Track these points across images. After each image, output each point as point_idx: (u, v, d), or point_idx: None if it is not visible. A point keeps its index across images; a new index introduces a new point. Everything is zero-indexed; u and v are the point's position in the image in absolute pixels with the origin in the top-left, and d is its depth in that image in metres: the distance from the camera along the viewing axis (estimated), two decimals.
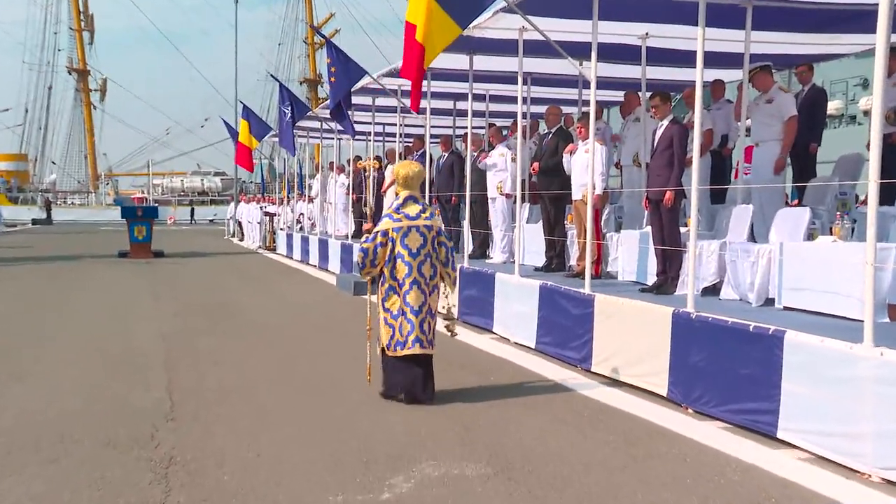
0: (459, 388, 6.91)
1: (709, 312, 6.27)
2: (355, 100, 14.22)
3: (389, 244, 6.34)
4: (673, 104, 9.08)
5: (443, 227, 6.60)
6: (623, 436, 5.60)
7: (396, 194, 6.58)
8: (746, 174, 9.03)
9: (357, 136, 19.32)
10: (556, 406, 6.41)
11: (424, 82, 11.97)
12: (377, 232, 6.40)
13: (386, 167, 17.15)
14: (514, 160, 11.20)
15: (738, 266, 7.33)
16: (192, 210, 66.29)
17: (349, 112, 13.58)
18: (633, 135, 10.90)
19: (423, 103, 12.62)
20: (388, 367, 6.45)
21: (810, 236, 7.18)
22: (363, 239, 6.53)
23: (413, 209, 6.41)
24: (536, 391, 6.91)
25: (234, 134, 25.96)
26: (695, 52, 6.57)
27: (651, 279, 8.34)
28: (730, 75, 10.76)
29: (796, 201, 9.28)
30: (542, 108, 12.13)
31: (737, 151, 9.83)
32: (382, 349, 6.46)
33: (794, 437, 5.28)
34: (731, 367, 5.81)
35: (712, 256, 7.77)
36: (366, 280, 6.59)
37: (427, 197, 12.86)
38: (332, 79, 13.09)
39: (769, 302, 7.00)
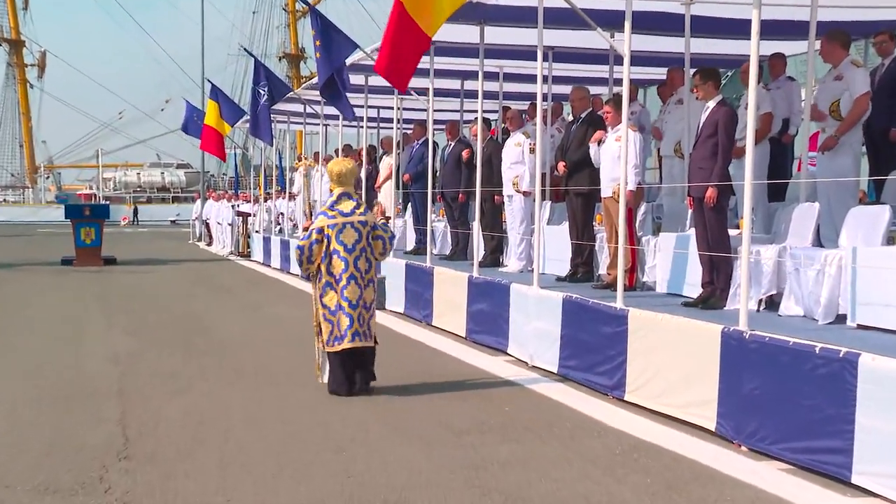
0: (468, 420, 6.88)
1: (765, 331, 6.22)
2: None
3: (325, 241, 7.62)
4: (723, 82, 9.04)
5: (378, 223, 7.93)
6: (664, 479, 5.54)
7: (331, 191, 7.91)
8: (812, 166, 8.97)
9: (346, 123, 19.32)
10: (583, 442, 6.36)
11: (425, 57, 12.00)
12: (312, 229, 7.68)
13: (381, 158, 17.16)
14: (532, 151, 11.17)
15: (802, 276, 7.28)
16: (136, 209, 65.71)
17: (345, 93, 13.51)
18: (675, 120, 10.87)
19: (425, 83, 12.65)
20: (333, 363, 7.70)
21: (890, 240, 7.12)
22: (300, 237, 7.97)
23: (347, 206, 7.73)
24: (560, 424, 6.86)
25: (190, 117, 25.84)
26: (749, 21, 6.53)
27: (696, 291, 8.30)
28: (792, 47, 10.70)
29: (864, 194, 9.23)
30: (566, 89, 12.10)
31: (800, 139, 9.77)
32: (323, 344, 7.73)
33: (873, 483, 5.21)
34: (793, 396, 5.76)
35: (770, 264, 7.72)
36: (306, 276, 7.90)
37: (431, 194, 12.88)
38: (318, 54, 13.07)
39: (839, 319, 6.94)
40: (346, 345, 7.57)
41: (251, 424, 6.81)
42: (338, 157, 19.32)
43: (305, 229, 8.02)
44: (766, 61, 10.01)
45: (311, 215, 8.71)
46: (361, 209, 7.77)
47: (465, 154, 13.05)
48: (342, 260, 7.59)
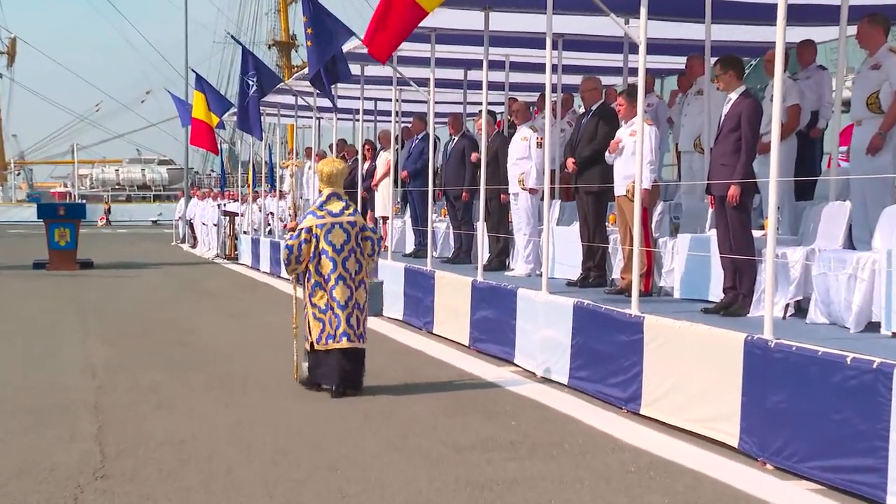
0: (471, 436, 6.88)
1: (792, 340, 6.22)
2: None
3: (313, 241, 8.17)
4: (747, 72, 9.03)
5: (367, 224, 8.61)
6: (683, 499, 5.53)
7: (320, 191, 8.51)
8: (844, 162, 8.94)
9: (341, 116, 19.34)
10: (595, 459, 6.36)
11: (426, 45, 12.01)
12: (301, 229, 8.23)
13: (378, 154, 17.15)
14: (539, 145, 11.16)
15: (831, 280, 7.27)
16: (109, 209, 65.84)
17: (331, 85, 13.50)
18: (695, 112, 10.86)
19: (426, 73, 12.65)
20: (317, 360, 8.23)
21: None
22: (287, 236, 8.54)
23: (336, 206, 8.29)
24: (570, 440, 6.86)
25: (183, 111, 25.92)
26: (775, 5, 6.53)
27: (717, 297, 8.29)
28: (823, 33, 10.67)
29: None
30: (576, 79, 12.10)
31: (830, 133, 9.75)
32: (311, 344, 8.23)
33: None
34: (822, 410, 5.75)
35: (797, 268, 7.71)
36: (291, 277, 8.60)
37: (431, 192, 12.88)
38: (309, 42, 13.04)
39: (872, 327, 6.93)
40: (336, 344, 8.11)
41: (239, 441, 6.80)
42: (332, 152, 19.38)
43: (292, 230, 8.48)
44: (793, 49, 10.00)
45: (296, 215, 8.97)
46: (350, 210, 8.36)
47: (473, 157, 13.01)
48: (330, 260, 8.14)
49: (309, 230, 8.18)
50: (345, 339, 8.09)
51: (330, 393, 8.15)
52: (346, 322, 8.11)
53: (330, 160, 8.76)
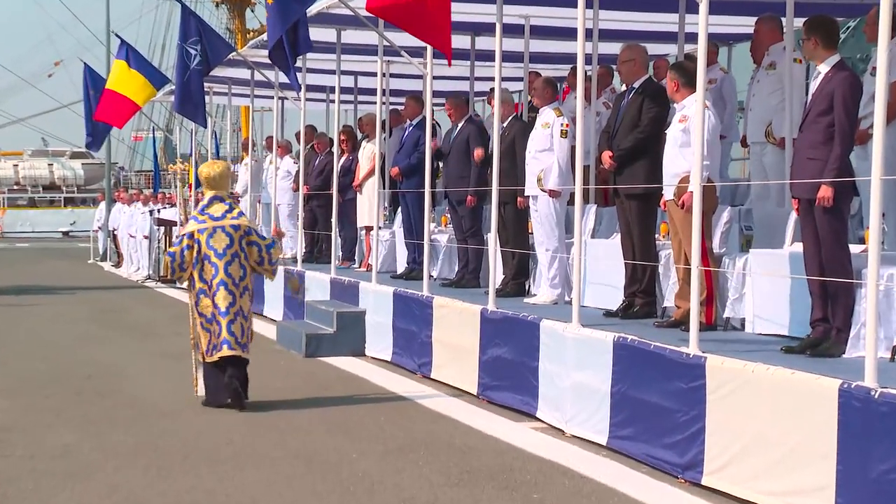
0: None
1: None
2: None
3: (196, 246, 9.94)
4: (841, 38, 9.01)
5: (252, 227, 10.40)
6: None
7: (202, 195, 10.31)
8: None
9: (311, 96, 19.33)
10: None
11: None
12: (182, 235, 10.07)
13: (361, 145, 17.12)
14: (564, 134, 11.13)
15: None
16: None
17: (294, 58, 13.46)
18: (768, 90, 10.84)
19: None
20: (209, 372, 10.04)
21: None
22: (173, 243, 10.37)
23: (218, 209, 10.09)
24: None
25: (95, 93, 25.69)
26: None
27: (802, 332, 8.28)
28: None
29: None
30: (616, 49, 12.11)
31: None
32: (202, 355, 10.11)
33: None
34: None
35: None
36: (183, 285, 10.44)
37: (429, 194, 12.86)
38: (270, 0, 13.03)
39: None
40: (219, 353, 9.87)
41: None
42: (298, 143, 19.40)
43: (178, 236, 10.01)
44: None
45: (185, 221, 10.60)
46: (234, 213, 10.20)
47: (476, 154, 12.91)
48: (213, 265, 9.94)
49: (190, 235, 10.01)
50: (225, 346, 9.86)
51: (209, 403, 10.01)
52: (226, 329, 9.87)
53: (210, 162, 10.86)
